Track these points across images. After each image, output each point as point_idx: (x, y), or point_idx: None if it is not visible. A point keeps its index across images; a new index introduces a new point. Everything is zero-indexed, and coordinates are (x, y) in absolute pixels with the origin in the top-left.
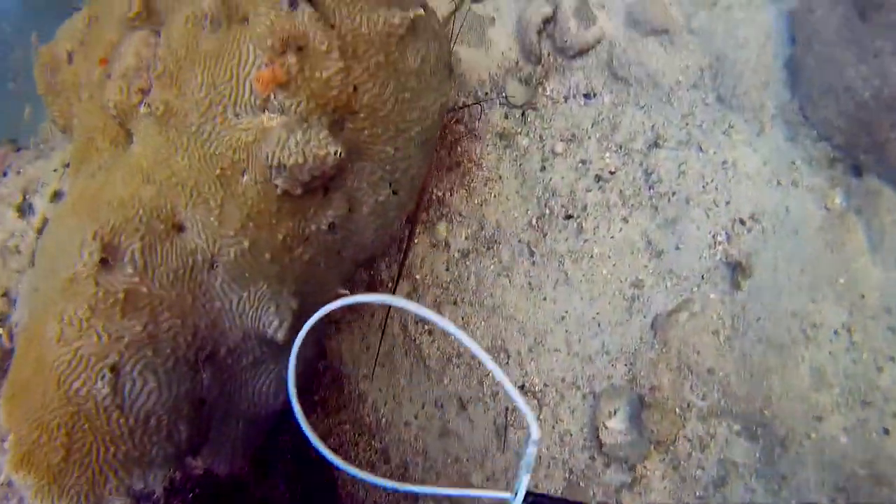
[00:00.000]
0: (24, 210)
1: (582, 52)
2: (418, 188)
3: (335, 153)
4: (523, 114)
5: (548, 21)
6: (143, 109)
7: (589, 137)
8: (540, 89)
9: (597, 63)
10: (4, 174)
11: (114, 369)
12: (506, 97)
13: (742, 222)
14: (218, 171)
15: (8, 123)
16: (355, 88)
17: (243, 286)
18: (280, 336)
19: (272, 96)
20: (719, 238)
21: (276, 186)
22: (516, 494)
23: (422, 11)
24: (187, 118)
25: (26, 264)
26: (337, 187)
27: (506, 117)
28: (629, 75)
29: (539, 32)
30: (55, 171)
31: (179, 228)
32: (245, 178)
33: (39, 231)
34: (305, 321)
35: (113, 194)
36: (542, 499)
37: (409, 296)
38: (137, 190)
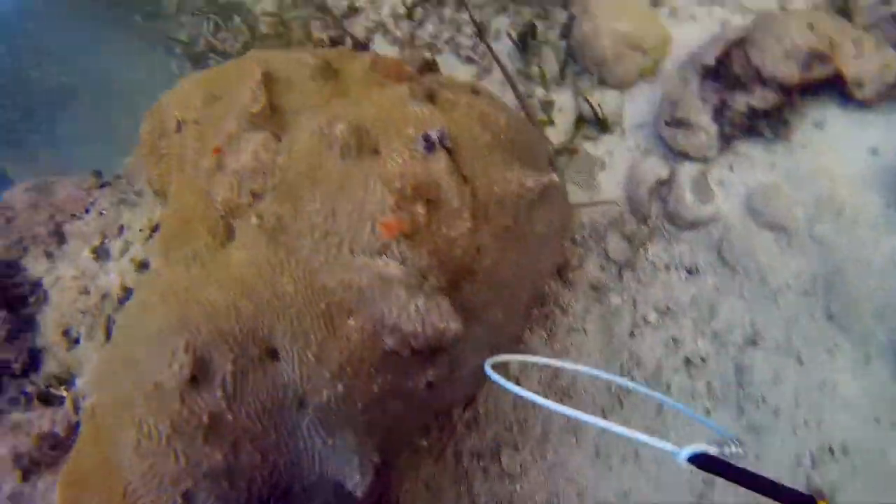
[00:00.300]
0: (100, 254)
1: (693, 226)
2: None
3: (456, 330)
4: (620, 271)
5: (662, 183)
6: (254, 219)
7: (685, 315)
8: (642, 250)
9: (706, 240)
10: (87, 211)
11: (186, 496)
12: (605, 249)
13: (831, 451)
14: (323, 307)
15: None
16: (479, 250)
17: (329, 432)
18: (359, 492)
19: (394, 243)
20: (803, 460)
21: (385, 342)
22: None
23: (555, 177)
24: (299, 240)
25: (91, 306)
26: (443, 350)
27: (601, 269)
28: (737, 263)
29: (651, 192)
30: (141, 230)
31: (273, 355)
32: (351, 321)
33: (121, 300)
34: (385, 474)
35: (207, 298)
36: (714, 462)
37: (468, 427)
38: (235, 303)
